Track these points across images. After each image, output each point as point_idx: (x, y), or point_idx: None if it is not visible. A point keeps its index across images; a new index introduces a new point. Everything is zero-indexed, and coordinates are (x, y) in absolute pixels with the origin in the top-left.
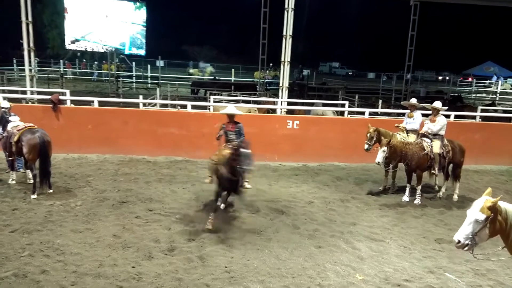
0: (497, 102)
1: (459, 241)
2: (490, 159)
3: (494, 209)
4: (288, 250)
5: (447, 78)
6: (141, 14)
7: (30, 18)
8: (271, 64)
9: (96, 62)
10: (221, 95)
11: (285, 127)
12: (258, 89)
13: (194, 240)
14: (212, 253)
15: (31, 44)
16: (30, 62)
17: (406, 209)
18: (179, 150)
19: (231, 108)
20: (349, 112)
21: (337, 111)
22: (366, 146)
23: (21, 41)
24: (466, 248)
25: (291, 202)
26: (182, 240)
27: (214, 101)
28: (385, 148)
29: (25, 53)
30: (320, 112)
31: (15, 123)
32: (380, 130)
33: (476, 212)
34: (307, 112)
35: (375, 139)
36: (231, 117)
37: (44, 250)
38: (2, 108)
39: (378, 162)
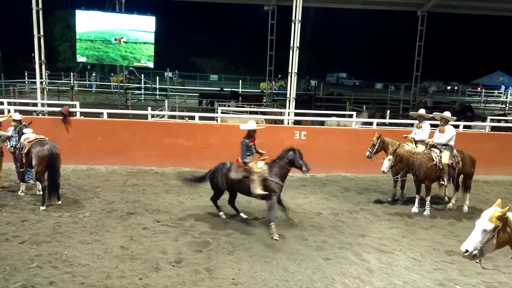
0: (506, 112)
1: (467, 250)
2: (500, 170)
3: (502, 219)
4: (296, 262)
5: (456, 88)
6: (150, 26)
7: (41, 32)
8: (279, 75)
9: (94, 74)
10: (229, 106)
11: (292, 138)
12: (265, 100)
13: (201, 251)
14: (219, 264)
15: (42, 57)
16: (41, 75)
17: (416, 220)
18: (187, 161)
19: (252, 124)
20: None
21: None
22: (367, 153)
23: (32, 54)
24: (473, 258)
25: (299, 213)
26: (189, 251)
27: (222, 112)
28: (390, 157)
29: (36, 66)
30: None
31: (27, 135)
32: (385, 139)
33: (484, 221)
34: (315, 123)
35: (377, 147)
36: (252, 132)
37: (53, 262)
38: (15, 120)
39: (384, 170)
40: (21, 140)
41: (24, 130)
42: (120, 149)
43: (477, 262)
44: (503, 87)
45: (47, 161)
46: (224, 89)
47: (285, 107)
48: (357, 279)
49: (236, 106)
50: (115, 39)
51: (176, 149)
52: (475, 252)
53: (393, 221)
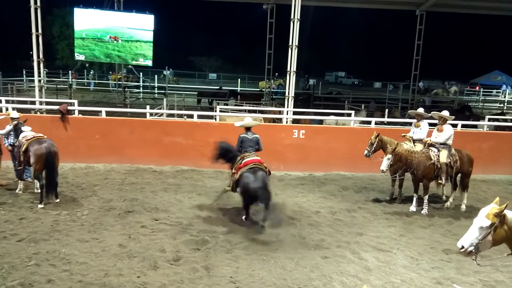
0: (504, 111)
1: (463, 247)
2: (498, 169)
3: (500, 216)
4: (294, 260)
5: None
6: (149, 25)
7: (40, 30)
8: (276, 74)
9: (92, 72)
10: (227, 104)
11: (291, 137)
12: (264, 99)
13: (199, 250)
14: (217, 263)
15: (41, 55)
16: (39, 73)
17: (413, 219)
18: (185, 159)
19: (248, 120)
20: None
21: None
22: (365, 152)
23: (30, 52)
24: (469, 254)
25: (297, 212)
26: (187, 250)
27: (220, 111)
28: (389, 156)
29: (35, 64)
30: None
31: (25, 133)
32: (383, 138)
33: (481, 218)
34: (314, 121)
35: (375, 146)
36: (248, 128)
37: (50, 260)
38: (13, 118)
39: (383, 170)
40: (20, 138)
41: (23, 128)
42: (119, 147)
43: (473, 259)
44: (504, 87)
45: (45, 159)
46: (223, 87)
47: (283, 106)
48: (355, 277)
49: (235, 105)
50: (110, 37)
51: (174, 147)
52: (471, 248)
53: (391, 219)
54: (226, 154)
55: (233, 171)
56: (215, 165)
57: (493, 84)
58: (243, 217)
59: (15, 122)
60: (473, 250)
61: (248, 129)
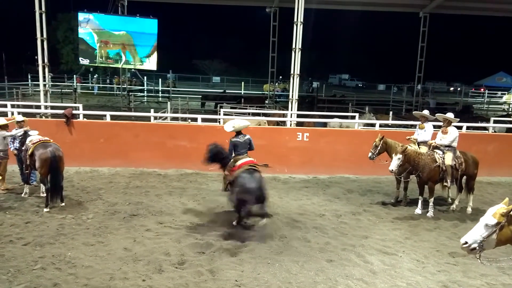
0: (509, 112)
1: (466, 242)
2: (504, 171)
3: (507, 216)
4: (299, 263)
5: (459, 89)
6: (153, 29)
7: (45, 35)
8: (280, 77)
9: (96, 76)
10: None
11: (295, 139)
12: (267, 102)
13: (204, 253)
14: (222, 266)
15: (46, 60)
16: (44, 77)
17: (419, 222)
18: (189, 163)
19: (238, 123)
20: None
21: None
22: (369, 154)
23: (35, 57)
24: (472, 251)
25: (302, 215)
26: (192, 253)
27: (224, 114)
28: (400, 156)
29: (40, 68)
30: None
31: (32, 137)
32: (387, 141)
33: (488, 216)
34: (317, 124)
35: (379, 148)
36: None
37: (56, 263)
38: (19, 122)
39: (392, 169)
40: (26, 142)
41: (30, 132)
42: (123, 151)
43: (476, 257)
44: None
45: (49, 164)
46: (227, 91)
47: (287, 109)
48: (360, 280)
49: (239, 108)
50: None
51: (178, 151)
52: (475, 245)
53: (396, 222)
54: (218, 156)
55: (226, 173)
56: (216, 169)
57: (498, 85)
58: (234, 222)
59: (24, 127)
60: (477, 247)
61: (239, 132)
